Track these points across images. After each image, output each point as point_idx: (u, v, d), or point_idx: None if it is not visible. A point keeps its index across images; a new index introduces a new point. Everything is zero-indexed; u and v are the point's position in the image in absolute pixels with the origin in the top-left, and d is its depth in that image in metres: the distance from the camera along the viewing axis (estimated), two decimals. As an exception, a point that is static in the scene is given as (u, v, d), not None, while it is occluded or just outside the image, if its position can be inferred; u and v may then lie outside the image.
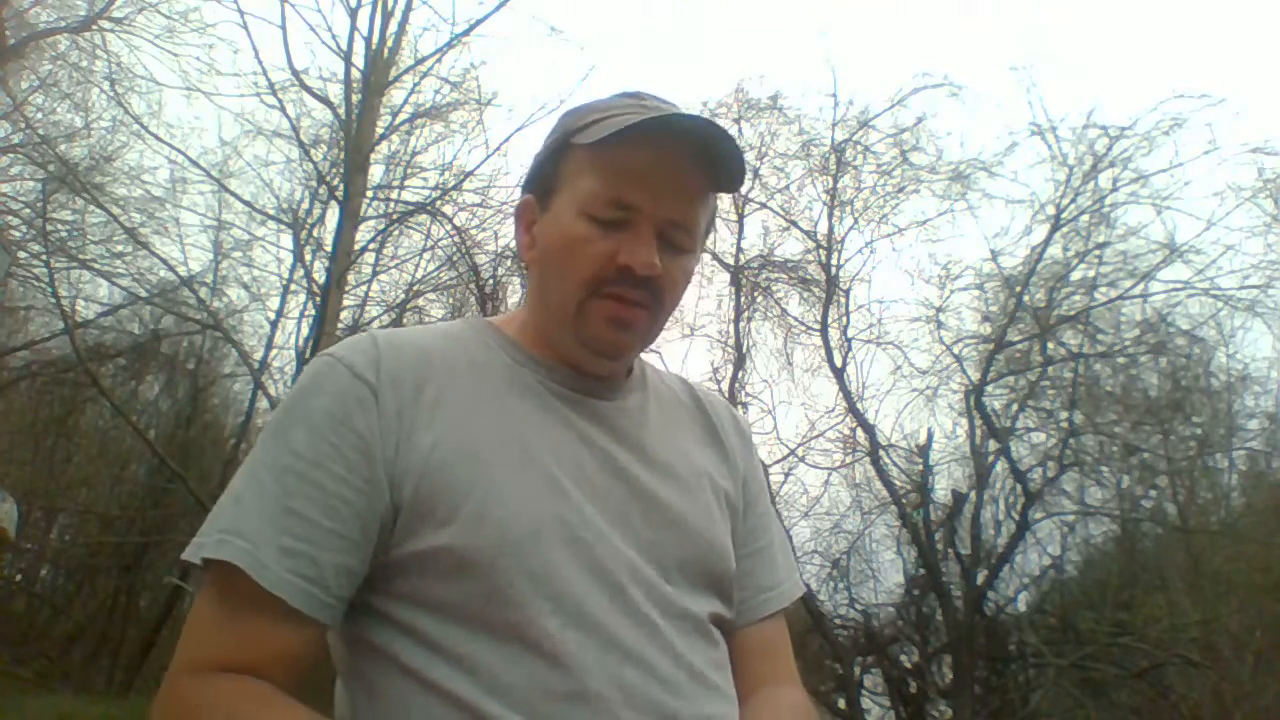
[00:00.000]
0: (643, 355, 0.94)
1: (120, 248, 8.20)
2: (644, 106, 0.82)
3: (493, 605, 0.71)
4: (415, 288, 8.22)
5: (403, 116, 7.28)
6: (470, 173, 7.23)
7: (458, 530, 0.72)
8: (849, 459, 7.46)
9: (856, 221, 6.84)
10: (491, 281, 7.29)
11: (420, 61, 7.02)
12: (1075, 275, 6.58)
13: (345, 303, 7.36)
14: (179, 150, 7.57)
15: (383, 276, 8.61)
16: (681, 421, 0.93)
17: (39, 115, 8.22)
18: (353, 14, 6.48)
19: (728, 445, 0.95)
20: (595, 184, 0.80)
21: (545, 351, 0.85)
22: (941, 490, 7.22)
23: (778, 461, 7.28)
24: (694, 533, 0.84)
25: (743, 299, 7.29)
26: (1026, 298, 6.54)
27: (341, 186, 6.49)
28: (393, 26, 6.91)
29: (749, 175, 6.15)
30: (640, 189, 0.79)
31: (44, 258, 7.66)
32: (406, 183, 7.98)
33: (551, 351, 0.85)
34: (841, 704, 6.78)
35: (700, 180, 0.82)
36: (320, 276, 6.89)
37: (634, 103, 0.83)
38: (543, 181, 0.86)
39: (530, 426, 0.79)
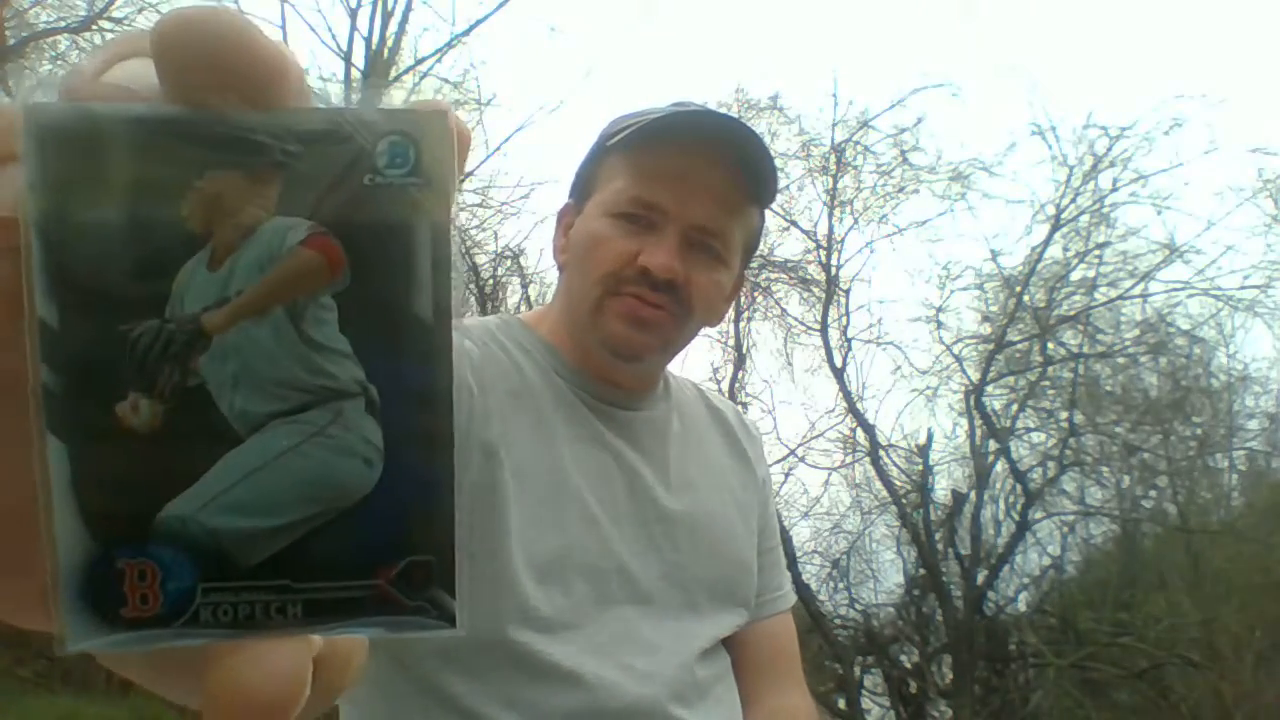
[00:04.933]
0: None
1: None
2: (682, 110, 0.81)
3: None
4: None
5: (403, 116, 7.27)
6: (470, 173, 7.23)
7: (483, 542, 0.72)
8: (849, 459, 7.46)
9: (856, 221, 6.84)
10: (491, 281, 7.29)
11: (420, 61, 7.03)
12: (1075, 275, 6.58)
13: (345, 302, 7.33)
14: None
15: (383, 276, 8.60)
16: (704, 432, 0.93)
17: (39, 115, 8.21)
18: (353, 14, 6.49)
19: (749, 453, 0.95)
20: (622, 183, 0.80)
21: (576, 356, 0.84)
22: (941, 490, 7.22)
23: (778, 461, 7.27)
24: (718, 553, 0.84)
25: (743, 299, 7.29)
26: (1026, 298, 6.54)
27: (342, 186, 6.47)
28: (393, 26, 6.92)
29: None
30: (665, 189, 0.78)
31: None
32: (407, 183, 7.96)
33: (582, 356, 0.84)
34: (841, 704, 6.77)
35: (730, 186, 0.80)
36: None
37: (675, 108, 0.82)
38: (581, 186, 0.86)
39: (565, 442, 0.79)
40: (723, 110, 0.98)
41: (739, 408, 1.02)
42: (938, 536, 6.79)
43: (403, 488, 0.19)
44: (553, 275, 7.74)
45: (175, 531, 0.18)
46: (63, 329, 0.18)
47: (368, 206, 0.19)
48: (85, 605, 0.18)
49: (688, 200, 0.78)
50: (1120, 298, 6.49)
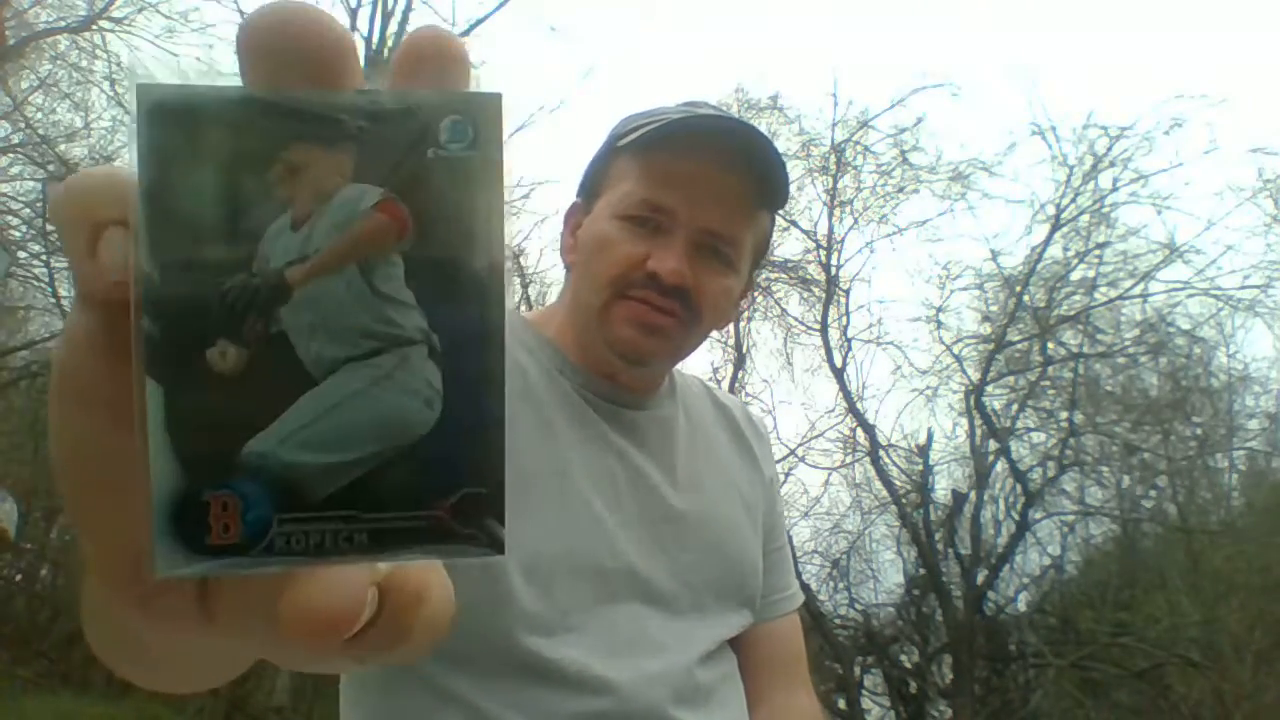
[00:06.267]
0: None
1: (120, 248, 8.20)
2: (694, 113, 0.80)
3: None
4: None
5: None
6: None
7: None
8: (849, 459, 7.47)
9: (856, 221, 6.84)
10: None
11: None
12: (1075, 275, 6.58)
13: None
14: (179, 150, 7.54)
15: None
16: (710, 431, 0.92)
17: (39, 115, 8.21)
18: (352, 14, 6.50)
19: (756, 452, 0.94)
20: (632, 185, 0.79)
21: (581, 357, 0.83)
22: (941, 490, 7.22)
23: (778, 461, 7.26)
24: (725, 553, 0.84)
25: (743, 299, 7.28)
26: (1026, 298, 6.54)
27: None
28: (393, 26, 6.92)
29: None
30: (675, 193, 0.77)
31: (44, 258, 7.65)
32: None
33: (587, 356, 0.83)
34: (841, 704, 6.78)
35: (741, 191, 0.79)
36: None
37: (686, 110, 0.81)
38: (589, 186, 0.85)
39: (569, 444, 0.78)
40: (720, 106, 0.98)
41: (746, 405, 1.02)
42: (938, 536, 6.79)
43: (458, 426, 0.22)
44: (553, 275, 7.74)
45: (256, 466, 0.21)
46: (163, 283, 0.20)
47: (432, 176, 0.21)
48: (174, 534, 0.20)
49: (698, 204, 0.78)
50: (1120, 298, 6.49)
